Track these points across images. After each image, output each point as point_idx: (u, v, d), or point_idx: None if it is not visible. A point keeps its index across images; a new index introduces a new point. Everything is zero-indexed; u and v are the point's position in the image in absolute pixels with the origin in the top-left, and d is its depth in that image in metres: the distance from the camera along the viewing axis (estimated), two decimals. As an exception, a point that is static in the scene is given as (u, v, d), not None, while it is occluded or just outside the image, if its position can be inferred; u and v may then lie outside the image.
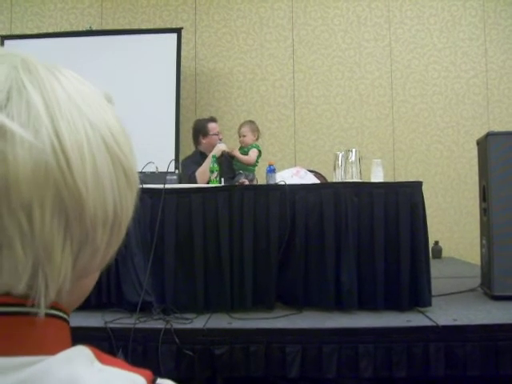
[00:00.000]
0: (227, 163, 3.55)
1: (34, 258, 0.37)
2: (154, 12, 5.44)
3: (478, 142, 3.08)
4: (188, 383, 2.26)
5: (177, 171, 3.42)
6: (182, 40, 5.10)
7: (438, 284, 2.89)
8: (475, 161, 3.22)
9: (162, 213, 2.61)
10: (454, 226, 5.15)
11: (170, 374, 2.14)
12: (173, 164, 2.98)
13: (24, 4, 5.49)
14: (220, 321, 2.40)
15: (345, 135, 5.28)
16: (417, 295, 2.53)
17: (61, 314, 0.41)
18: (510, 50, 5.23)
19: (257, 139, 3.62)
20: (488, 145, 2.80)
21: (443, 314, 2.44)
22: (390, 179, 4.39)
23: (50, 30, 5.35)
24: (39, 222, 0.36)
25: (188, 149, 4.45)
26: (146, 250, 2.60)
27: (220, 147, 3.55)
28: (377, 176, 2.89)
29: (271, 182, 2.92)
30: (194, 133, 3.88)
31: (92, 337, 2.20)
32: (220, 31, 5.41)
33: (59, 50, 4.71)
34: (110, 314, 2.44)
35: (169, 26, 5.33)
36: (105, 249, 0.42)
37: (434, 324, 2.26)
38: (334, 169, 2.99)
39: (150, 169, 3.14)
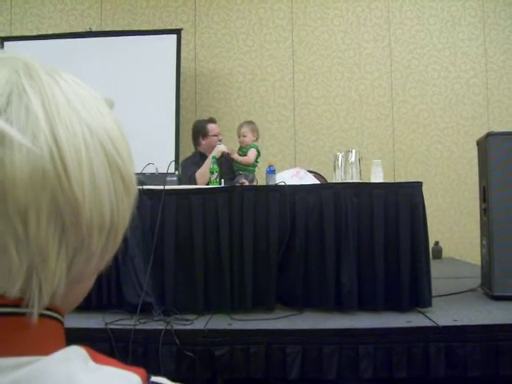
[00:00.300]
0: (227, 164, 3.55)
1: (28, 262, 0.37)
2: (154, 13, 5.44)
3: (478, 143, 3.08)
4: (188, 384, 2.26)
5: (177, 172, 3.42)
6: (182, 41, 5.10)
7: (438, 284, 2.89)
8: (475, 161, 3.22)
9: (162, 214, 2.61)
10: (454, 227, 5.15)
11: (171, 375, 2.12)
12: (173, 165, 2.98)
13: (24, 5, 5.49)
14: (220, 322, 2.40)
15: (345, 136, 5.27)
16: (417, 296, 2.53)
17: (55, 314, 0.41)
18: (509, 50, 5.23)
19: (256, 139, 3.62)
20: (488, 145, 2.80)
21: (443, 314, 2.44)
22: (390, 180, 4.38)
23: (50, 32, 5.35)
24: (35, 227, 0.36)
25: (188, 150, 4.44)
26: (146, 251, 2.60)
27: (220, 148, 3.55)
28: (377, 176, 2.89)
29: (271, 183, 2.93)
30: (194, 134, 3.87)
31: (92, 338, 2.21)
32: (220, 32, 5.41)
33: (59, 51, 4.70)
34: (110, 315, 2.44)
35: (168, 27, 5.32)
36: (100, 254, 0.42)
37: (435, 324, 2.26)
38: (334, 169, 2.99)
39: (150, 170, 3.13)
